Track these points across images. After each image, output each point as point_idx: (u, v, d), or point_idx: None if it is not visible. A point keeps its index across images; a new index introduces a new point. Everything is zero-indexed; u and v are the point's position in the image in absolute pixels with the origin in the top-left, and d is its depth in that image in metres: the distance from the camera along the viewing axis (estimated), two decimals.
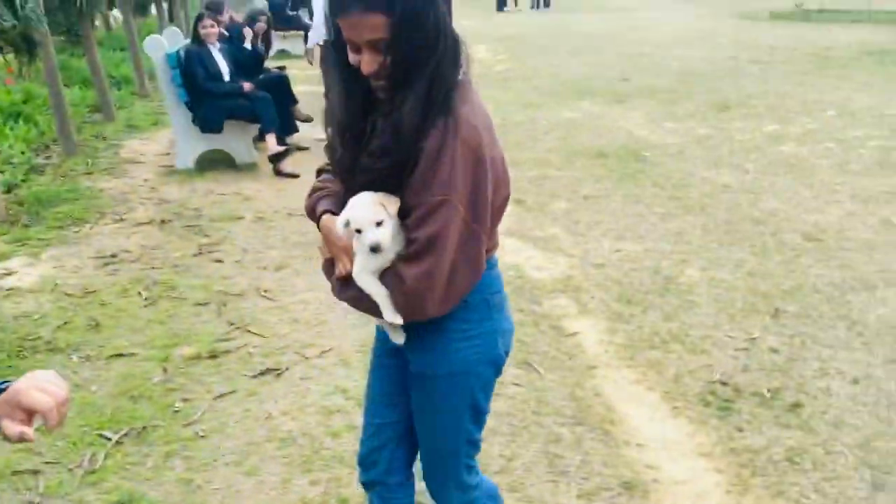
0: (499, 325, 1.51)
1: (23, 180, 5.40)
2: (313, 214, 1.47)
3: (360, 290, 1.37)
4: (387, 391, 1.63)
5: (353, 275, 1.38)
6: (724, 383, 2.74)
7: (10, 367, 2.90)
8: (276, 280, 3.76)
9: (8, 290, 3.64)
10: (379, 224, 1.31)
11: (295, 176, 5.48)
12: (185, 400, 2.71)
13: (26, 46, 7.18)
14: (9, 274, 3.82)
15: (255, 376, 2.86)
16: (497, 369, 1.55)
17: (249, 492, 2.25)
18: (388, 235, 1.32)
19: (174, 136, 5.97)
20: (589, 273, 3.74)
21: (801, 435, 2.43)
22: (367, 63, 1.26)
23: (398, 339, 1.46)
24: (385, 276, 1.35)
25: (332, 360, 2.97)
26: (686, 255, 3.91)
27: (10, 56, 8.00)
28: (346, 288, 1.41)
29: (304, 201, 1.53)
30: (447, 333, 1.44)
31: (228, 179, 5.57)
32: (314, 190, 1.51)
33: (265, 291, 3.61)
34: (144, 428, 2.54)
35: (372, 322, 1.54)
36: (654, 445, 2.41)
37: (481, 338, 1.47)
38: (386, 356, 1.62)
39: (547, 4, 23.22)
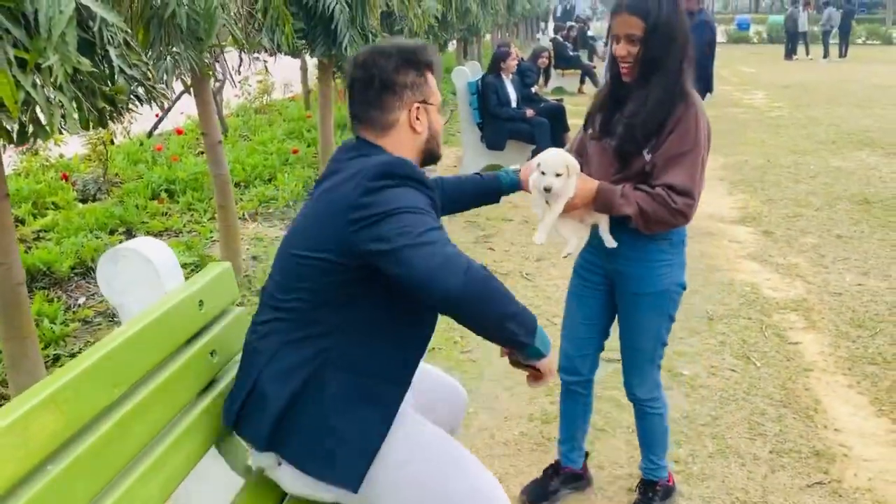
0: (684, 258, 2.08)
1: None
2: None
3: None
4: (587, 314, 2.19)
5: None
6: None
7: None
8: (535, 266, 4.53)
9: None
10: (558, 175, 1.86)
11: None
12: (461, 337, 3.56)
13: None
14: None
15: None
16: (683, 288, 2.07)
17: (505, 400, 3.00)
18: (560, 185, 1.87)
19: (463, 151, 7.09)
20: (824, 298, 3.98)
21: None
22: (620, 48, 1.88)
23: (612, 243, 1.99)
24: (654, 197, 1.87)
25: None
26: None
27: (339, 80, 9.90)
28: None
29: None
30: (654, 263, 2.01)
31: None
32: None
33: (526, 274, 4.40)
34: (434, 348, 3.42)
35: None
36: (850, 432, 2.72)
37: (676, 266, 2.05)
38: (587, 286, 2.17)
39: (844, 54, 21.77)
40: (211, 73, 3.81)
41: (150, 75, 2.54)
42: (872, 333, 3.54)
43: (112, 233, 4.85)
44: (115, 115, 2.48)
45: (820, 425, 2.77)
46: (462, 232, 5.26)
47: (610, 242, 2.00)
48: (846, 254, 4.68)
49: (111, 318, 3.75)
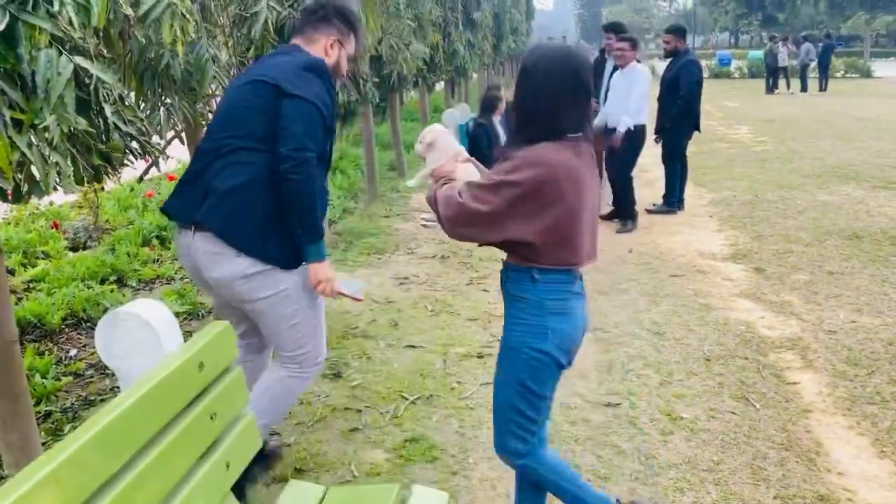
0: (547, 324, 1.95)
1: (339, 218, 6.86)
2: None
3: None
4: None
5: None
6: None
7: (338, 345, 3.97)
8: None
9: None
10: (420, 143, 2.26)
11: None
12: (459, 382, 3.53)
13: (344, 114, 8.99)
14: None
15: None
16: (547, 360, 1.97)
17: None
18: (421, 150, 2.28)
19: None
20: (819, 337, 3.99)
21: None
22: None
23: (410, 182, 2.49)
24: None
25: (574, 373, 3.62)
26: None
27: None
28: None
29: None
30: (511, 319, 2.01)
31: None
32: None
33: None
34: (430, 396, 3.39)
35: None
36: (854, 475, 2.70)
37: (534, 328, 1.96)
38: None
39: (824, 88, 22.23)
40: (204, 121, 3.82)
41: (145, 130, 2.54)
42: (869, 372, 3.54)
43: (103, 282, 4.81)
44: (110, 171, 2.48)
45: (823, 469, 2.76)
46: (455, 273, 5.26)
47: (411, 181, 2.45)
48: (838, 290, 4.71)
49: (103, 370, 3.70)
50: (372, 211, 7.17)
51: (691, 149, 7.19)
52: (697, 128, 7.00)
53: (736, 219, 6.72)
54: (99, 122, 2.37)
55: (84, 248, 5.67)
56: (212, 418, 1.66)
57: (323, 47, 2.50)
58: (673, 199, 7.10)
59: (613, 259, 5.52)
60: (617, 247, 5.83)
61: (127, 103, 2.52)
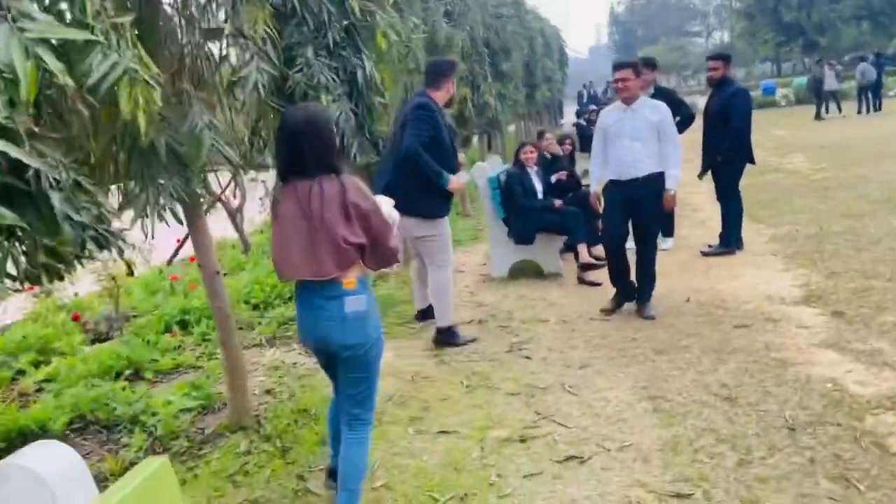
0: None
1: (374, 284, 6.50)
2: None
3: None
4: None
5: None
6: None
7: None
8: (579, 377, 4.01)
9: None
10: None
11: (597, 284, 5.79)
12: (499, 475, 3.04)
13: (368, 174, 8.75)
14: None
15: (559, 461, 3.10)
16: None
17: None
18: None
19: (490, 248, 6.71)
20: None
21: None
22: None
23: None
24: None
25: (632, 455, 3.09)
26: None
27: None
28: None
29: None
30: None
31: (536, 286, 6.07)
32: None
33: (569, 387, 3.88)
34: (465, 495, 2.90)
35: None
36: None
37: None
38: None
39: (878, 108, 21.24)
40: (202, 199, 3.52)
41: (104, 218, 2.21)
42: None
43: (118, 376, 4.51)
44: (63, 269, 2.14)
45: None
46: (493, 339, 4.79)
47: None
48: None
49: (104, 480, 3.33)
50: (406, 275, 6.78)
51: (743, 182, 6.64)
52: (751, 160, 6.47)
53: (803, 255, 6.10)
54: (44, 212, 2.05)
55: (106, 339, 5.42)
56: None
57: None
58: (731, 239, 6.52)
59: (669, 311, 4.97)
60: (672, 296, 5.28)
61: (83, 185, 2.19)
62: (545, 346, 4.59)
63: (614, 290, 5.13)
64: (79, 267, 2.30)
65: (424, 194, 4.48)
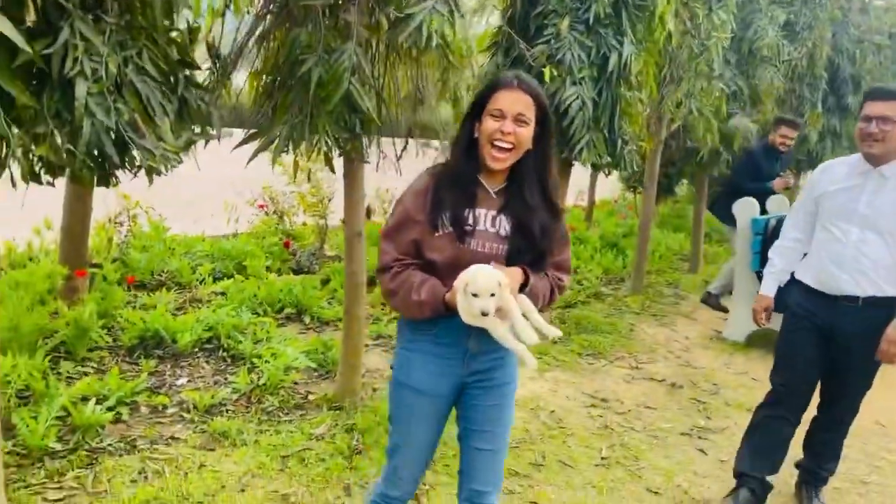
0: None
1: (582, 302, 5.74)
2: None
3: None
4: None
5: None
6: None
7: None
8: None
9: None
10: (492, 296, 1.66)
11: None
12: None
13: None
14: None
15: None
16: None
17: None
18: (495, 305, 1.67)
19: (734, 303, 5.49)
20: None
21: None
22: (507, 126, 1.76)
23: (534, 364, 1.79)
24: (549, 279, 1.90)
25: None
26: None
27: (634, 196, 8.87)
28: None
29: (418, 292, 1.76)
30: None
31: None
32: (421, 282, 1.78)
33: None
34: None
35: None
36: None
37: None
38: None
39: None
40: (366, 152, 3.15)
41: (135, 126, 1.90)
42: None
43: (280, 311, 4.51)
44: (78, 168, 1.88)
45: None
46: (675, 411, 3.81)
47: (552, 331, 1.80)
48: None
49: (188, 412, 3.20)
50: (623, 303, 5.89)
51: None
52: None
53: None
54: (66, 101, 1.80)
55: (306, 273, 5.49)
56: None
57: None
58: None
59: None
60: None
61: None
62: (735, 444, 3.50)
63: (742, 473, 3.04)
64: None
65: None
